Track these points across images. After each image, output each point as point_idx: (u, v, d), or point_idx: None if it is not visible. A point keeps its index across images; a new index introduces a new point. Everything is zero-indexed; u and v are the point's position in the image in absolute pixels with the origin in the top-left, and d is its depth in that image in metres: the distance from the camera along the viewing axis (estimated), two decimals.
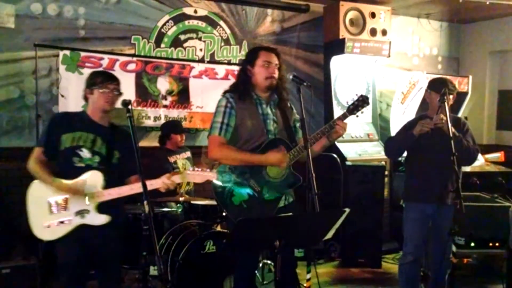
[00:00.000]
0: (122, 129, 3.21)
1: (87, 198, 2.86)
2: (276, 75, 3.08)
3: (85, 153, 2.92)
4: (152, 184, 2.85)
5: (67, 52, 4.79)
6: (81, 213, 2.87)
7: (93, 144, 2.95)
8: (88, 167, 2.91)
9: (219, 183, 2.98)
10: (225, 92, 3.15)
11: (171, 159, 4.76)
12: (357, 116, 3.11)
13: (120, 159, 3.01)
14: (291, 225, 2.42)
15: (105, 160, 2.95)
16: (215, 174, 2.97)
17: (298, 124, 3.23)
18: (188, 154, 4.99)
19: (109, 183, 2.91)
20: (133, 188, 2.88)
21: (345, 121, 3.03)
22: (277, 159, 2.94)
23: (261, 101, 3.11)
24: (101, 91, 2.92)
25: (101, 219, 2.88)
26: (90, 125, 2.98)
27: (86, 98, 3.01)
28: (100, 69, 4.85)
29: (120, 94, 3.01)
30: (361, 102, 3.05)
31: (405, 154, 3.97)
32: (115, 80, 3.00)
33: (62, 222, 2.86)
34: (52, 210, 2.87)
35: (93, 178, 2.89)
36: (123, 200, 2.98)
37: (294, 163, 3.04)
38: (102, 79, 2.95)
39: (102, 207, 2.89)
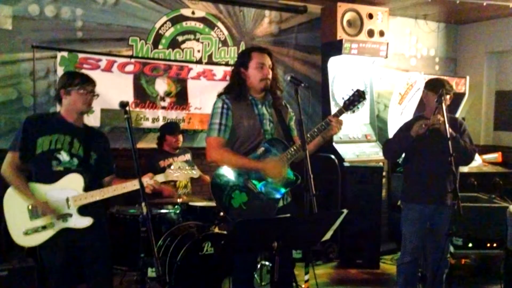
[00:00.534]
0: (96, 130, 3.26)
1: (69, 201, 2.85)
2: (270, 76, 3.08)
3: (64, 156, 2.89)
4: (134, 185, 2.83)
5: (65, 54, 4.79)
6: (63, 217, 2.85)
7: (71, 147, 2.91)
8: (67, 170, 2.89)
9: (217, 185, 2.96)
10: (220, 94, 3.15)
11: (166, 162, 4.71)
12: (354, 111, 3.10)
13: (96, 160, 2.99)
14: (289, 227, 2.43)
15: (83, 162, 2.93)
16: (198, 171, 2.99)
17: (292, 123, 3.24)
18: (187, 156, 4.96)
19: (88, 185, 2.90)
20: (116, 189, 2.89)
21: (343, 120, 3.03)
22: (276, 172, 2.91)
23: (257, 101, 3.11)
24: (80, 92, 2.89)
25: (85, 222, 2.88)
26: (66, 127, 2.93)
27: (59, 100, 2.95)
28: (98, 70, 4.86)
29: (96, 96, 2.99)
30: (357, 96, 3.05)
31: (403, 155, 3.98)
32: (92, 82, 2.97)
33: (44, 227, 2.84)
34: (32, 216, 2.84)
35: (73, 181, 2.87)
36: (102, 202, 2.96)
37: (291, 163, 3.03)
38: (80, 80, 2.91)
39: (84, 210, 2.88)
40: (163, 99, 5.32)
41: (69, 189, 2.87)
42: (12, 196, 2.89)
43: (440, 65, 7.45)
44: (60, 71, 4.74)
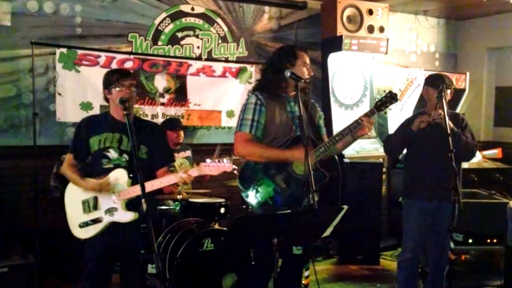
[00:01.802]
0: (147, 122, 3.29)
1: (114, 196, 2.92)
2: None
3: (113, 154, 2.98)
4: (170, 180, 2.87)
5: (64, 50, 4.77)
6: (110, 211, 2.94)
7: (120, 143, 2.98)
8: (117, 167, 2.95)
9: (245, 179, 2.96)
10: (253, 90, 3.12)
11: None
12: (385, 112, 3.09)
13: (148, 154, 3.02)
14: (290, 223, 2.42)
15: (132, 157, 2.92)
16: (231, 165, 2.90)
17: (321, 121, 3.25)
18: (188, 153, 4.95)
19: (136, 180, 2.86)
20: (154, 184, 2.88)
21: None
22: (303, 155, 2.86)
23: (289, 99, 3.09)
24: (118, 89, 2.93)
25: (128, 216, 2.92)
26: (114, 125, 3.01)
27: (107, 99, 3.05)
28: (97, 67, 4.85)
29: (137, 87, 3.06)
30: (389, 98, 3.03)
31: (404, 151, 3.97)
32: (129, 75, 3.02)
33: (94, 220, 2.96)
34: (85, 209, 2.99)
35: (117, 176, 2.93)
36: (153, 195, 3.02)
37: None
38: (117, 77, 2.96)
39: (130, 204, 2.93)
40: (162, 95, 5.32)
41: (113, 182, 2.93)
42: (70, 192, 3.09)
43: (440, 61, 7.44)
44: (59, 67, 4.74)
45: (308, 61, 3.10)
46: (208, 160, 2.87)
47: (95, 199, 2.97)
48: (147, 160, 3.01)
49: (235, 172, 4.65)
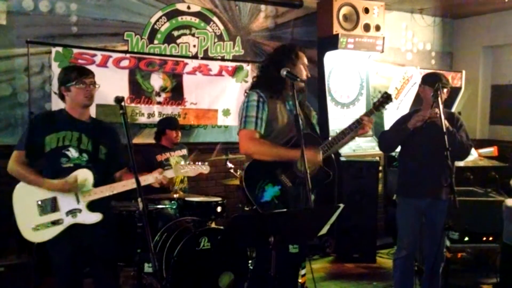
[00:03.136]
0: (105, 123, 3.20)
1: (79, 197, 2.85)
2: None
3: (73, 153, 2.88)
4: (145, 180, 2.84)
5: (60, 49, 4.76)
6: (72, 212, 2.86)
7: (79, 142, 2.90)
8: (77, 166, 2.87)
9: (251, 178, 2.93)
10: (252, 87, 3.10)
11: (163, 156, 4.73)
12: (382, 112, 3.16)
13: (106, 155, 2.98)
14: (286, 221, 2.42)
15: (93, 157, 2.91)
16: (207, 167, 2.94)
17: (315, 121, 3.28)
18: (184, 152, 4.95)
19: (98, 181, 2.89)
20: (126, 184, 2.87)
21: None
22: (312, 155, 2.87)
23: (288, 98, 3.09)
24: (77, 86, 2.87)
25: (94, 218, 2.87)
26: (72, 123, 2.93)
27: (62, 97, 2.96)
28: (93, 66, 4.83)
29: (97, 86, 2.96)
30: (386, 99, 3.17)
31: (398, 149, 3.98)
32: (89, 73, 2.94)
33: (53, 223, 2.84)
34: (42, 211, 2.85)
35: (82, 177, 2.85)
36: (110, 197, 2.95)
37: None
38: (77, 75, 2.89)
39: (93, 205, 2.88)
40: (158, 94, 5.31)
41: (79, 183, 2.85)
42: (21, 192, 2.91)
43: (436, 59, 7.46)
44: (55, 66, 4.72)
45: (306, 62, 3.13)
46: (182, 163, 2.90)
47: (54, 200, 2.85)
48: (105, 161, 2.96)
49: (232, 171, 4.69)
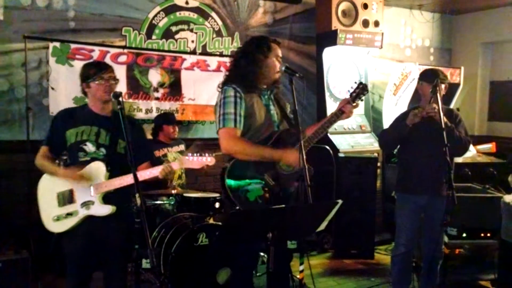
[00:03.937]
0: (128, 117, 3.19)
1: (91, 188, 2.87)
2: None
3: (90, 147, 2.93)
4: (152, 173, 2.85)
5: (57, 44, 4.74)
6: (86, 204, 2.90)
7: (97, 137, 2.95)
8: (94, 160, 2.91)
9: (234, 178, 2.88)
10: (226, 82, 3.01)
11: (161, 152, 4.72)
12: (357, 105, 3.10)
13: (126, 148, 2.95)
14: (284, 217, 2.42)
15: (110, 151, 2.94)
16: (213, 159, 2.87)
17: (289, 112, 3.21)
18: (181, 147, 4.94)
19: (115, 174, 2.87)
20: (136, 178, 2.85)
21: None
22: (294, 159, 2.81)
23: (263, 92, 3.05)
24: (97, 82, 2.90)
25: (105, 210, 2.88)
26: (93, 118, 2.98)
27: (84, 93, 3.00)
28: (91, 61, 4.81)
29: (117, 81, 2.99)
30: (361, 90, 3.05)
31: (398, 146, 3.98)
32: (108, 68, 2.96)
33: (69, 214, 2.91)
34: (60, 203, 2.93)
35: (94, 169, 2.89)
36: (129, 192, 2.92)
37: None
38: (96, 71, 2.91)
39: (106, 198, 2.90)
40: (156, 90, 5.29)
41: (92, 175, 2.88)
42: (44, 183, 3.01)
43: (434, 55, 7.45)
44: (52, 61, 4.71)
45: (280, 54, 3.04)
46: (189, 154, 2.87)
47: (71, 192, 2.91)
48: (124, 154, 2.95)
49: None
